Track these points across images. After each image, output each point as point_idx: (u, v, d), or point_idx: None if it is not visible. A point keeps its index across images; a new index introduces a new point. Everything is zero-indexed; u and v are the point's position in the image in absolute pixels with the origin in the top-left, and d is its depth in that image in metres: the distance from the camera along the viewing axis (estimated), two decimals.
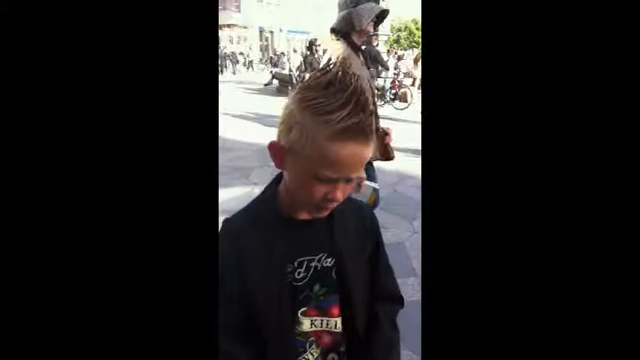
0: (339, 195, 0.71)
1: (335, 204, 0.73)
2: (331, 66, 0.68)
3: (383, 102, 9.85)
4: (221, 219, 0.76)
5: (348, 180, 0.70)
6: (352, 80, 0.66)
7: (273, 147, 0.73)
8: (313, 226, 0.80)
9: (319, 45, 8.28)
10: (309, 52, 8.11)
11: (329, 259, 0.80)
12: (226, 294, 0.70)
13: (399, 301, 0.92)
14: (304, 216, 0.79)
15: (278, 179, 0.81)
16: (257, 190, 0.87)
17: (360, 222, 0.87)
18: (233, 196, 3.90)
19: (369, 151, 0.68)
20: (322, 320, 0.81)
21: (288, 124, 0.69)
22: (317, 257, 0.80)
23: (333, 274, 0.81)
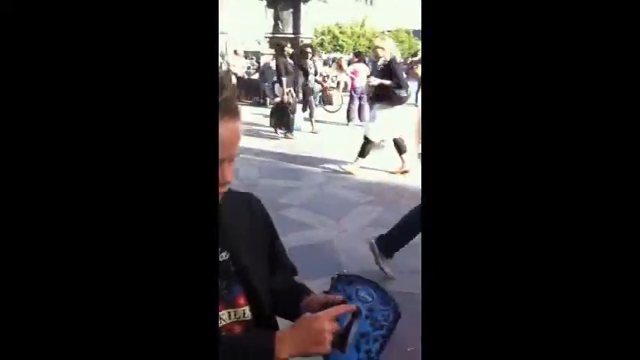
0: (229, 175, 0.74)
1: (227, 187, 0.76)
2: None
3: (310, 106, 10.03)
4: None
5: (231, 160, 0.74)
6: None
7: None
8: None
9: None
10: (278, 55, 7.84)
11: (223, 254, 0.82)
12: None
13: (295, 272, 1.01)
14: None
15: None
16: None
17: (247, 212, 0.92)
18: None
19: (240, 126, 0.74)
20: (230, 313, 0.82)
21: None
22: None
23: (231, 267, 0.83)
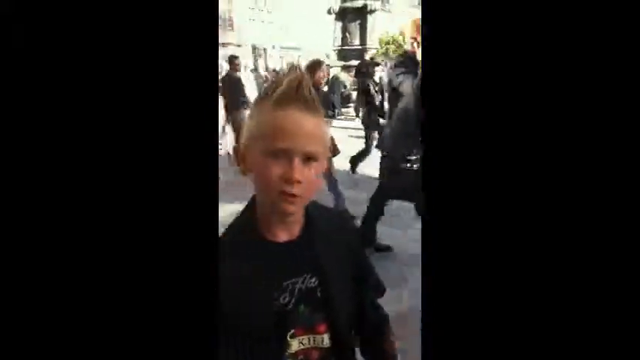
0: (296, 174, 0.68)
1: (294, 190, 0.69)
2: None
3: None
4: (221, 231, 0.76)
5: (307, 158, 0.69)
6: (295, 68, 0.72)
7: (234, 150, 0.77)
8: (294, 247, 0.78)
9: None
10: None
11: (313, 280, 0.79)
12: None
13: (383, 292, 0.95)
14: (283, 235, 0.78)
15: (253, 201, 0.80)
16: None
17: (342, 235, 0.86)
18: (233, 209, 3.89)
19: (317, 122, 0.70)
20: (309, 338, 0.79)
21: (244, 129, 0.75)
22: (301, 279, 0.78)
23: (318, 293, 0.79)
